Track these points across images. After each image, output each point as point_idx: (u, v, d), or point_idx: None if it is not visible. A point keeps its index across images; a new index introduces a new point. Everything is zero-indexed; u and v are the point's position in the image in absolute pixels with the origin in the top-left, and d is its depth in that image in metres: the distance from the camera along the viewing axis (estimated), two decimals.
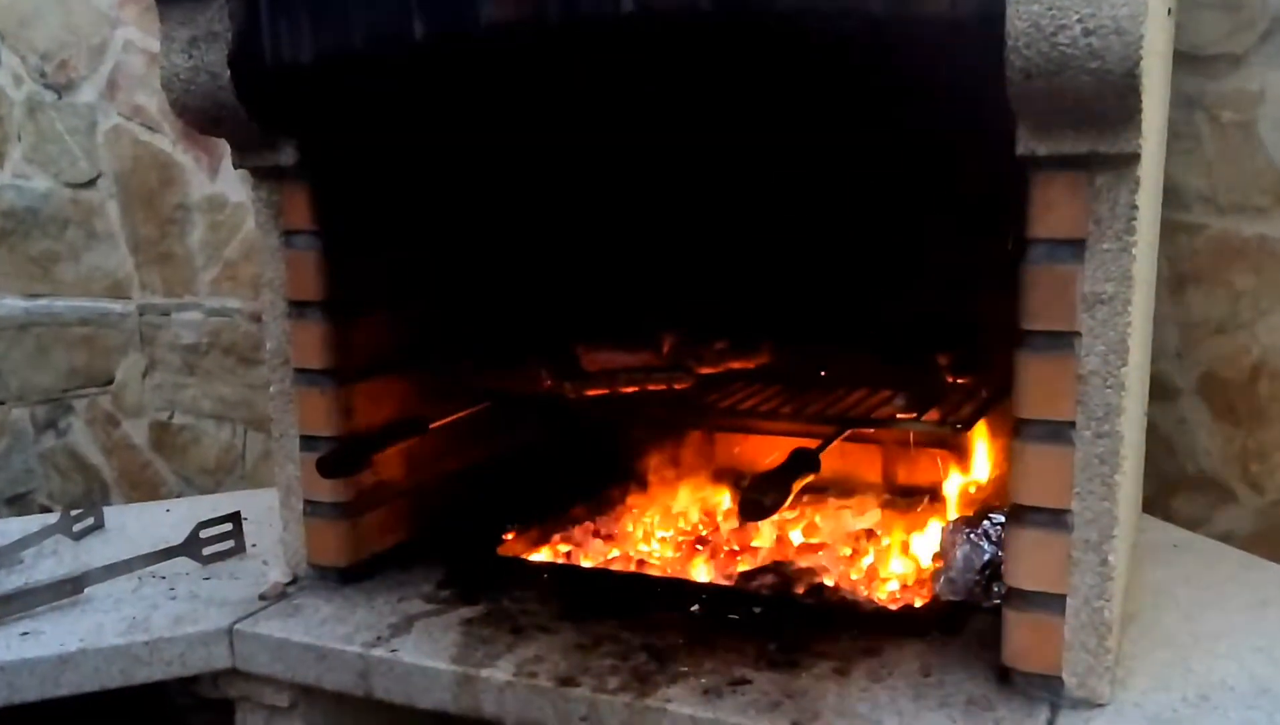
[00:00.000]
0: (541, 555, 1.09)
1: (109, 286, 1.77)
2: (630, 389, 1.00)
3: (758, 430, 1.19)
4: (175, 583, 1.05)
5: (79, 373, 1.84)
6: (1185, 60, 1.10)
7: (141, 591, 1.03)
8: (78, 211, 1.77)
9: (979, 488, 1.09)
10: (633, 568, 1.04)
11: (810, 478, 0.79)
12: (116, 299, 1.77)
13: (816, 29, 0.72)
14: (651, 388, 1.00)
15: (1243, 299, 1.15)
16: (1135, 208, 0.67)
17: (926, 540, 1.05)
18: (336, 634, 0.90)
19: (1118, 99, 0.62)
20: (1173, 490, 1.20)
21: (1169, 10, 0.87)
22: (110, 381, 1.81)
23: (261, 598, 0.99)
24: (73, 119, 1.74)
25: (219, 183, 1.65)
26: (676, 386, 0.99)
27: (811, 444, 0.83)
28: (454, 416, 1.07)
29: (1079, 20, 0.59)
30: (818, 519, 1.13)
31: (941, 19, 0.65)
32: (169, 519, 1.28)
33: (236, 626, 0.93)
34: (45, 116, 1.76)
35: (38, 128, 1.77)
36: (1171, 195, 1.13)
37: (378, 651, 0.86)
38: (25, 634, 0.94)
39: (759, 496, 0.72)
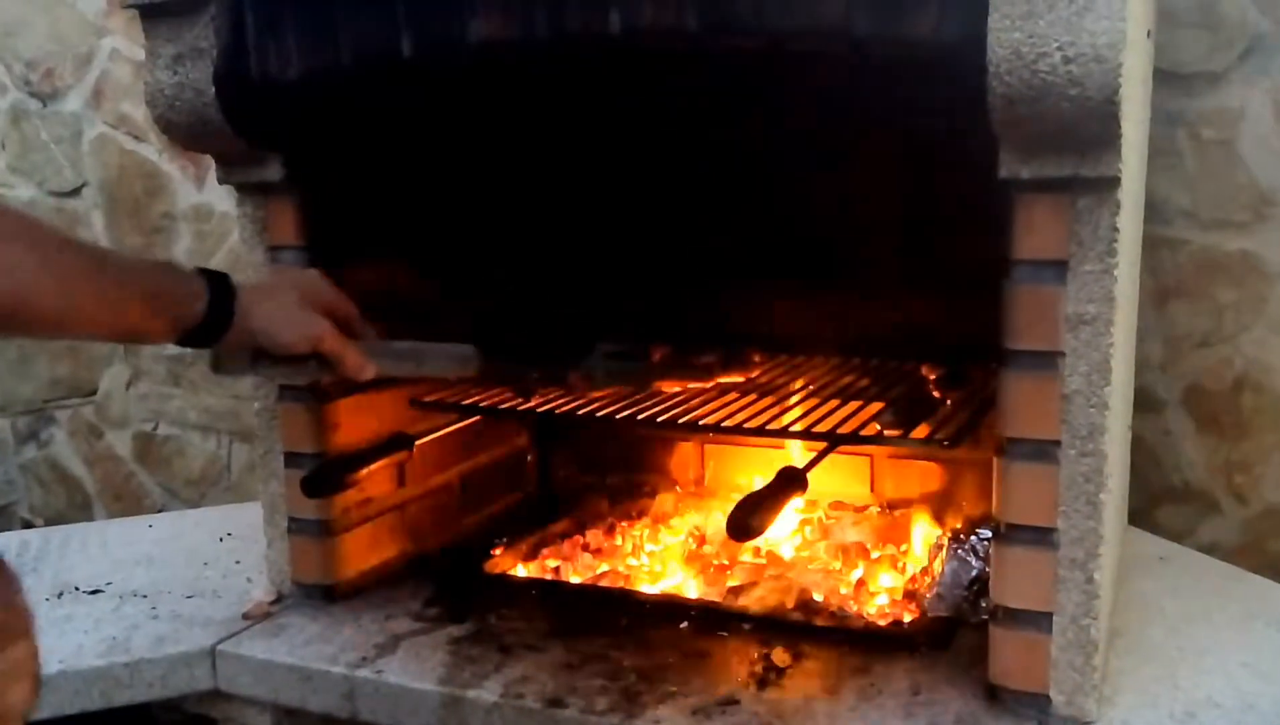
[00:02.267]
0: (530, 571, 1.08)
1: None
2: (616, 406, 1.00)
3: (746, 443, 1.19)
4: (157, 602, 1.03)
5: (62, 383, 1.82)
6: (1166, 78, 1.12)
7: (122, 611, 1.01)
8: (63, 220, 1.75)
9: (966, 502, 1.09)
10: (621, 583, 1.04)
11: (798, 496, 0.80)
12: None
13: (801, 49, 0.73)
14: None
15: (1225, 313, 1.16)
16: (1116, 230, 0.68)
17: (915, 554, 1.05)
18: (322, 654, 0.89)
19: (1098, 124, 0.63)
20: (1158, 502, 1.21)
21: (1148, 33, 0.88)
22: (93, 392, 1.79)
23: (245, 617, 0.97)
24: (58, 127, 1.72)
25: (205, 192, 1.64)
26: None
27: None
28: (441, 431, 1.06)
29: (1059, 48, 0.60)
30: (806, 532, 1.13)
31: (924, 42, 0.66)
32: (152, 535, 1.26)
33: (219, 647, 0.92)
34: (30, 125, 1.74)
35: (22, 136, 1.75)
36: (1154, 211, 1.15)
37: (363, 672, 0.85)
38: None
39: (746, 517, 0.72)
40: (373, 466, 0.97)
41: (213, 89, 0.83)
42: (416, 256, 1.06)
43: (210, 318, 0.68)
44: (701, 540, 1.13)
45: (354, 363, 0.74)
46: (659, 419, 0.92)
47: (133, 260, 0.70)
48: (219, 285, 0.69)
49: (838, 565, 1.04)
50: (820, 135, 1.10)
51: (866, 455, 1.18)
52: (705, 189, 1.20)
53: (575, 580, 1.05)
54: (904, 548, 1.07)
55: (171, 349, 1.71)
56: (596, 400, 0.99)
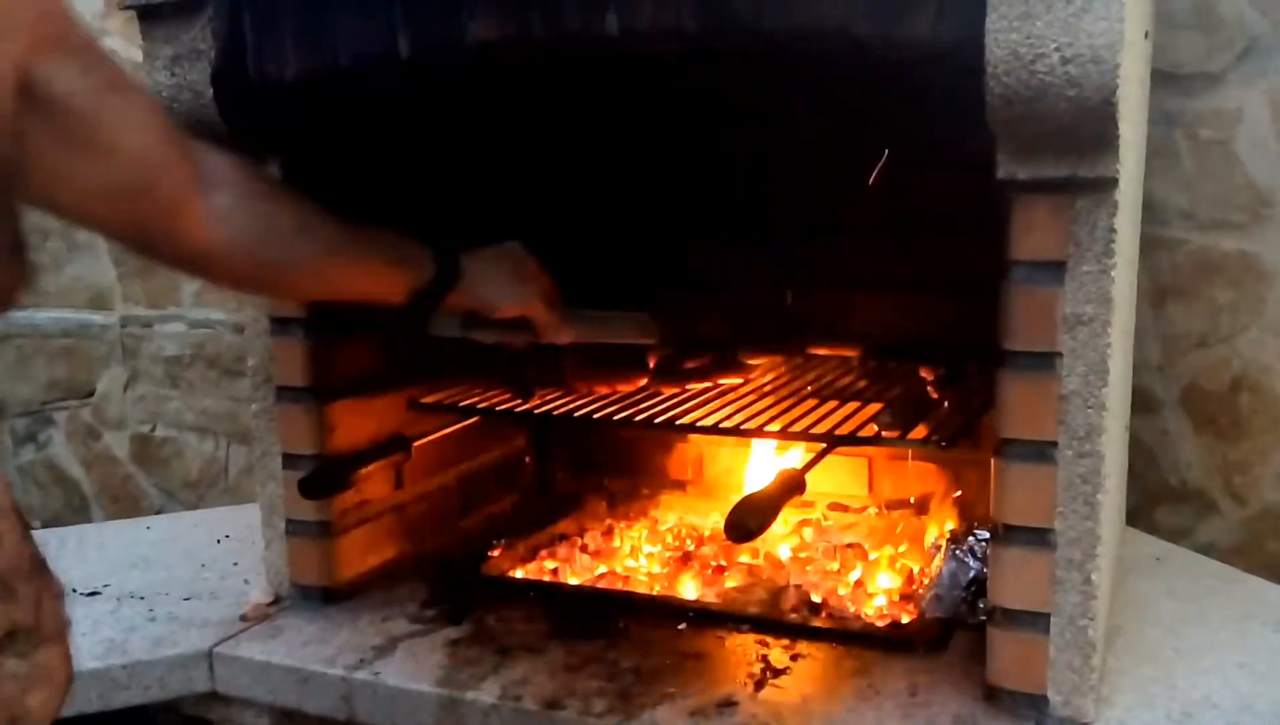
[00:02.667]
0: (528, 572, 1.08)
1: (91, 298, 1.75)
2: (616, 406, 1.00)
3: (745, 444, 1.19)
4: (154, 604, 1.03)
5: (59, 385, 1.81)
6: (1164, 79, 1.12)
7: (120, 613, 1.01)
8: (60, 222, 1.74)
9: (965, 502, 1.09)
10: (619, 584, 1.04)
11: (796, 497, 0.80)
12: (98, 310, 1.75)
13: (801, 49, 0.73)
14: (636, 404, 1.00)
15: (1222, 313, 1.16)
16: (1114, 231, 0.68)
17: (913, 555, 1.05)
18: (319, 656, 0.89)
19: (1096, 125, 0.63)
20: (1156, 502, 1.21)
21: (1146, 34, 0.88)
22: (91, 393, 1.79)
23: (243, 619, 0.97)
24: None
25: None
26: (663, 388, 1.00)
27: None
28: (439, 433, 1.06)
29: (1057, 49, 0.60)
30: (805, 533, 1.13)
31: (923, 43, 0.66)
32: (149, 537, 1.26)
33: (217, 649, 0.92)
34: None
35: None
36: (1151, 211, 1.15)
37: (361, 674, 0.85)
38: None
39: (745, 518, 0.72)
40: (371, 468, 0.97)
41: (210, 90, 0.83)
42: None
43: (437, 283, 0.75)
44: (700, 541, 1.13)
45: (556, 328, 0.82)
46: (657, 420, 0.92)
47: (372, 229, 0.74)
48: (444, 252, 0.76)
49: (836, 566, 1.04)
50: (821, 134, 1.10)
51: (865, 456, 1.18)
52: (704, 191, 1.20)
53: (573, 582, 1.05)
54: (902, 549, 1.07)
55: (169, 350, 1.71)
56: (596, 400, 0.99)
